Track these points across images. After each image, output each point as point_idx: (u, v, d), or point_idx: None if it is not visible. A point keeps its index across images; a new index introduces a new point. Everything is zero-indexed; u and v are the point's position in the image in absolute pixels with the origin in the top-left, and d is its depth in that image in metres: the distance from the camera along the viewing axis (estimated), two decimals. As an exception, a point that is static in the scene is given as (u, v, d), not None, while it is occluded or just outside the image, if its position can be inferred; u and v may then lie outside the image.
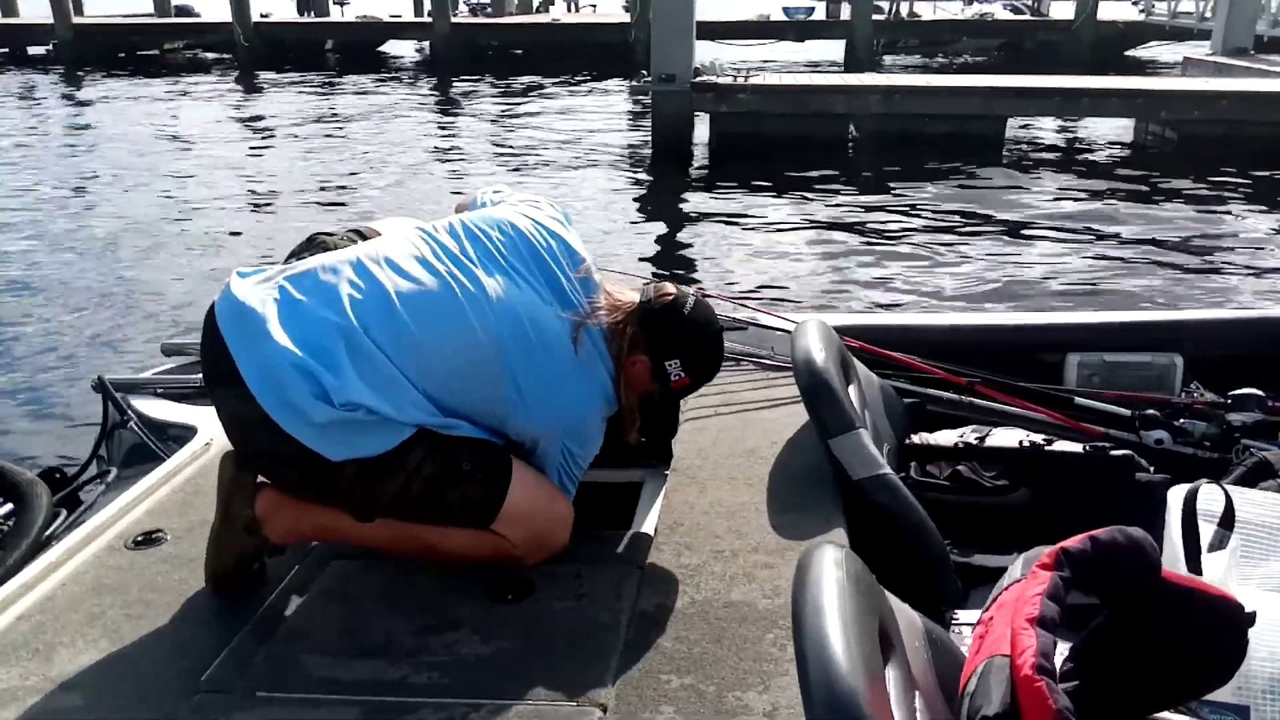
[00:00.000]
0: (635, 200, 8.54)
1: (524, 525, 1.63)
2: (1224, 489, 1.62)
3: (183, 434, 2.29)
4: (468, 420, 1.61)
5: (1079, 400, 2.39)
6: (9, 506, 2.15)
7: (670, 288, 1.74)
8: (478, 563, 1.65)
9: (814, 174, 8.86)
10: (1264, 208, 7.63)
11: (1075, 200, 8.02)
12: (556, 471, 1.70)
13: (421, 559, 1.67)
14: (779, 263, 6.30)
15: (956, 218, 7.35)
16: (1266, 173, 8.61)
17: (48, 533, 2.06)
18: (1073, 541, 1.07)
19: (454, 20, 22.08)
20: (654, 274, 5.64)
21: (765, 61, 17.71)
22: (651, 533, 1.76)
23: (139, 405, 2.47)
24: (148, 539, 1.81)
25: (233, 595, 1.64)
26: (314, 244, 1.73)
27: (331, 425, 1.50)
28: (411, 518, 1.62)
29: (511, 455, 1.66)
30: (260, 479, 1.67)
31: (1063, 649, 1.10)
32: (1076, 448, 2.13)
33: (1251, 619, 1.13)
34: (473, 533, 1.63)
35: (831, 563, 0.99)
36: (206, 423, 2.23)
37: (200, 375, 2.50)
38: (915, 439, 2.23)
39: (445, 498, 1.59)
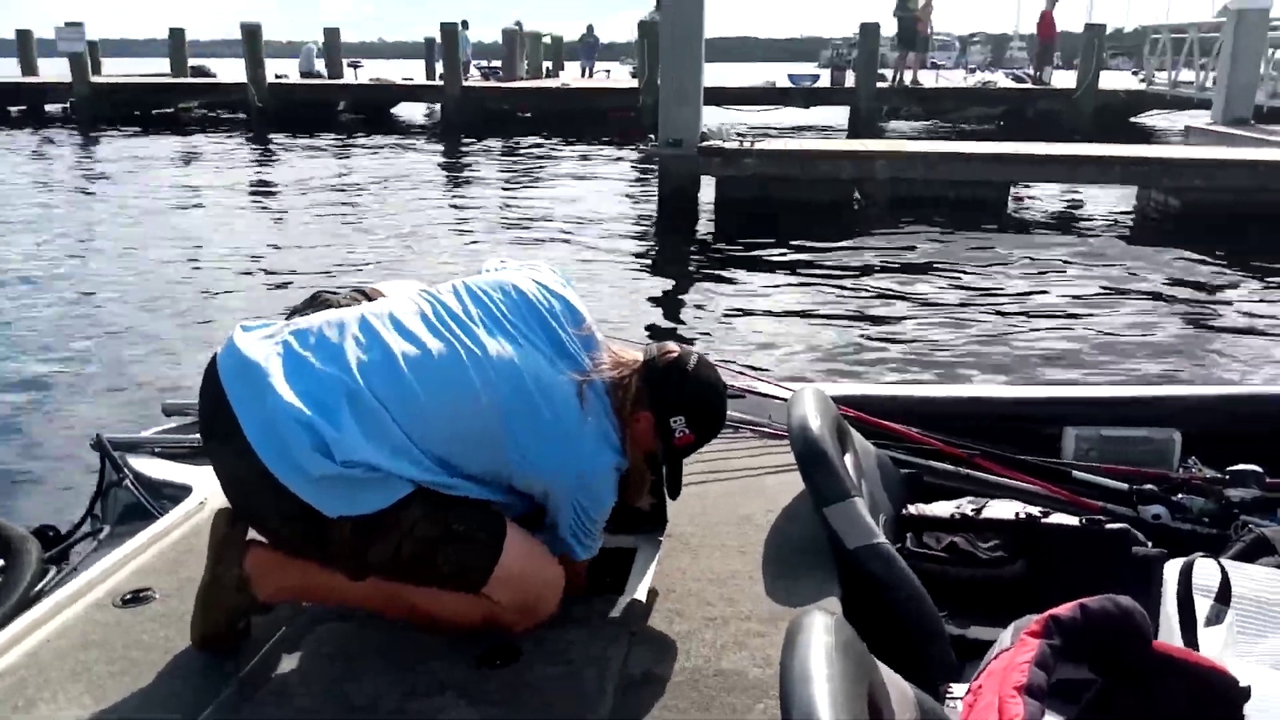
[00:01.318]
0: (640, 263, 8.60)
1: (515, 590, 1.63)
2: (1220, 564, 1.61)
3: (178, 493, 2.29)
4: (473, 479, 1.62)
5: (1076, 474, 2.39)
6: None
7: (674, 346, 1.77)
8: (467, 627, 1.64)
9: (818, 239, 8.94)
10: (1265, 280, 7.65)
11: (1077, 269, 8.05)
12: (569, 529, 1.69)
13: (411, 622, 1.66)
14: (781, 328, 6.32)
15: (958, 285, 7.39)
16: (1268, 244, 8.65)
17: (36, 589, 2.06)
18: (1063, 609, 1.07)
19: (465, 84, 22.46)
20: (653, 337, 5.66)
21: (770, 128, 17.93)
22: (643, 599, 1.75)
23: (136, 464, 2.48)
24: (136, 597, 1.81)
25: (219, 654, 1.63)
26: (317, 302, 1.76)
27: (329, 480, 1.50)
28: (403, 579, 1.62)
29: (506, 519, 1.66)
30: (251, 536, 1.66)
31: (1055, 720, 1.08)
32: (1073, 521, 2.12)
33: (1246, 694, 1.12)
34: (463, 597, 1.63)
35: (821, 630, 0.98)
36: (202, 482, 2.23)
37: (198, 436, 2.53)
38: (912, 509, 2.22)
39: (437, 560, 1.58)
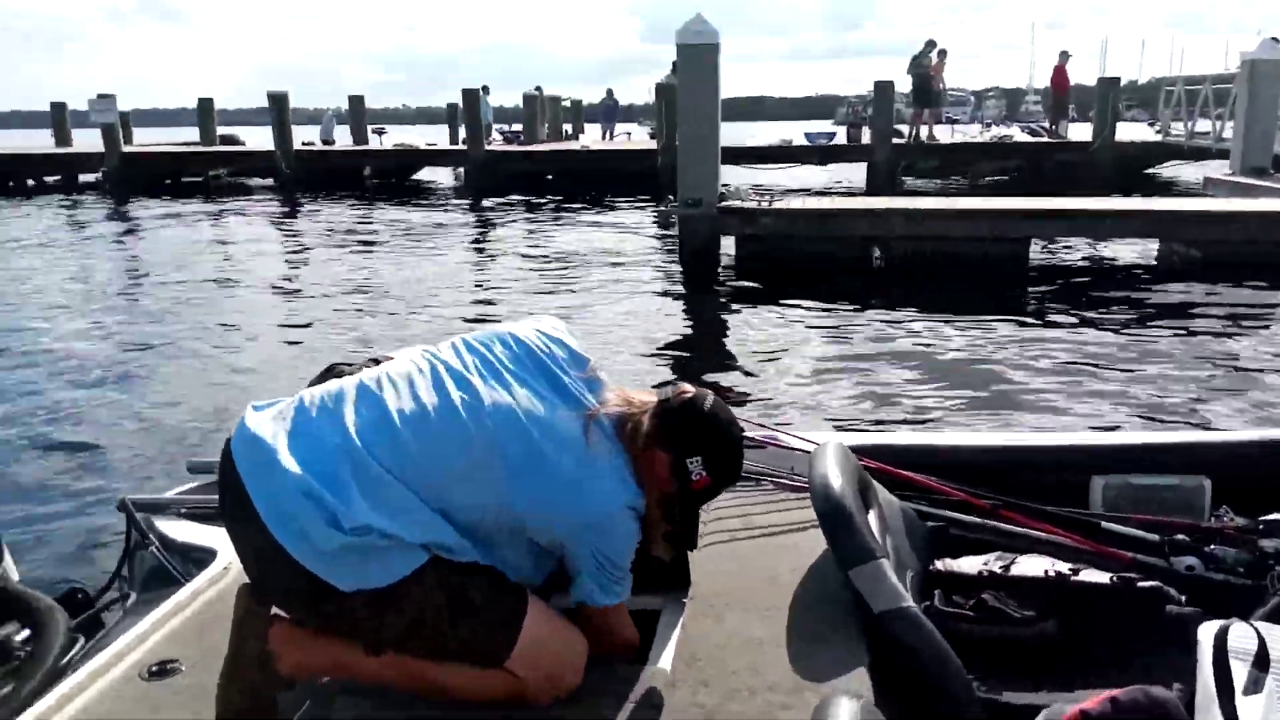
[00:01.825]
0: (661, 321, 8.64)
1: (537, 664, 1.60)
2: (1255, 628, 1.57)
3: (203, 556, 2.30)
4: (479, 535, 1.60)
5: (1106, 525, 2.35)
6: (26, 633, 2.15)
7: (688, 386, 1.74)
8: (488, 702, 1.62)
9: (838, 295, 8.95)
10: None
11: (1100, 320, 8.01)
12: (593, 578, 1.66)
13: (433, 697, 1.64)
14: (803, 381, 6.32)
15: (979, 338, 7.36)
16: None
17: (64, 660, 2.06)
18: (1092, 703, 1.04)
19: (487, 147, 22.83)
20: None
21: (788, 190, 18.07)
22: (668, 668, 1.72)
23: (161, 526, 2.49)
24: (162, 669, 1.80)
25: None
26: (332, 373, 1.77)
27: (342, 553, 1.50)
28: (422, 653, 1.60)
29: (528, 591, 1.64)
30: (275, 612, 1.66)
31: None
32: (1104, 578, 2.08)
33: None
34: (485, 671, 1.60)
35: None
36: (226, 546, 2.23)
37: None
38: (939, 565, 2.19)
39: (456, 633, 1.57)
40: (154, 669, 1.80)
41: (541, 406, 1.64)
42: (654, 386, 1.78)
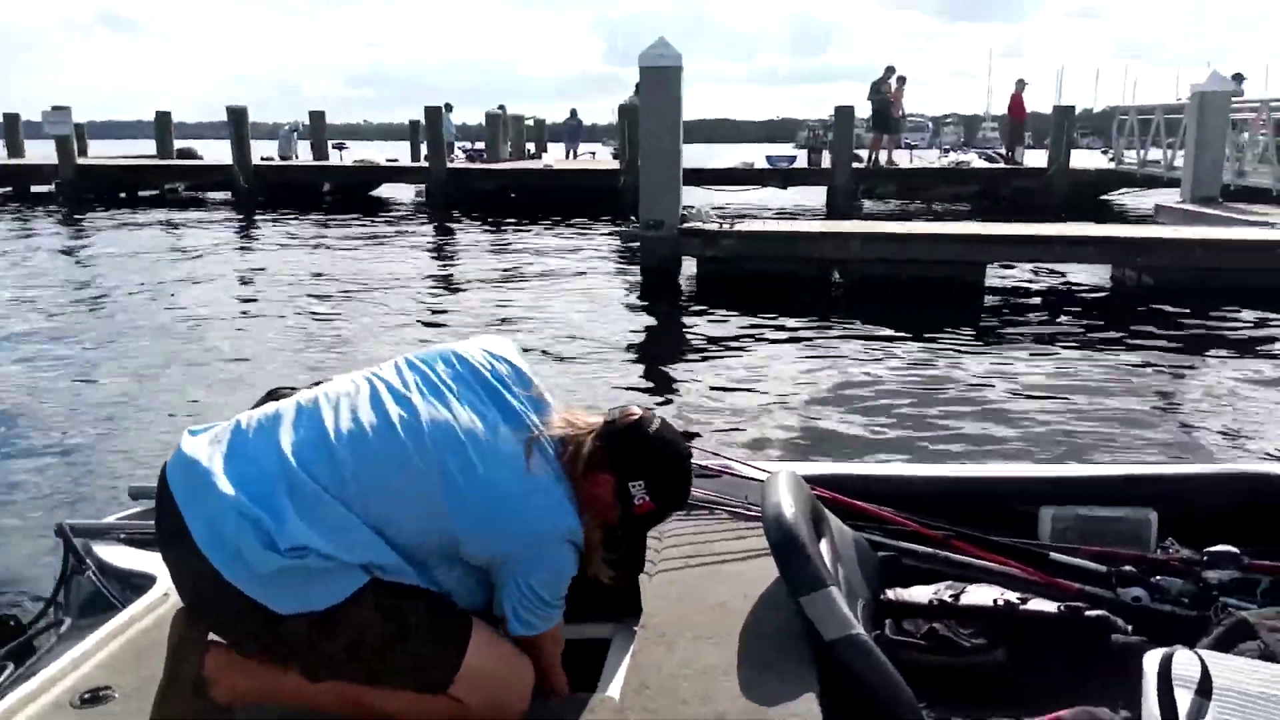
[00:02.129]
0: (621, 341, 8.63)
1: (480, 690, 1.57)
2: (1199, 655, 1.59)
3: (142, 582, 2.24)
4: (419, 556, 1.57)
5: (1054, 555, 2.37)
6: None
7: (635, 409, 1.72)
8: None
9: (797, 318, 9.02)
10: (1238, 357, 7.74)
11: (1053, 347, 8.13)
12: (510, 603, 1.62)
13: None
14: (759, 407, 6.32)
15: (934, 365, 7.43)
16: (1239, 320, 8.78)
17: None
18: None
19: (449, 165, 22.77)
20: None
21: (748, 212, 18.20)
22: (616, 697, 1.70)
23: (100, 551, 2.43)
24: (95, 697, 1.75)
25: None
26: (274, 397, 1.74)
27: (279, 575, 1.47)
28: (362, 678, 1.56)
29: (471, 615, 1.62)
30: (211, 637, 1.62)
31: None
32: (1052, 607, 2.10)
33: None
34: (427, 698, 1.57)
35: None
36: (165, 571, 2.18)
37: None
38: (890, 595, 2.20)
39: (396, 658, 1.53)
40: (86, 696, 1.75)
41: (482, 425, 1.61)
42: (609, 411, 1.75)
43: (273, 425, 1.59)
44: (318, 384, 1.76)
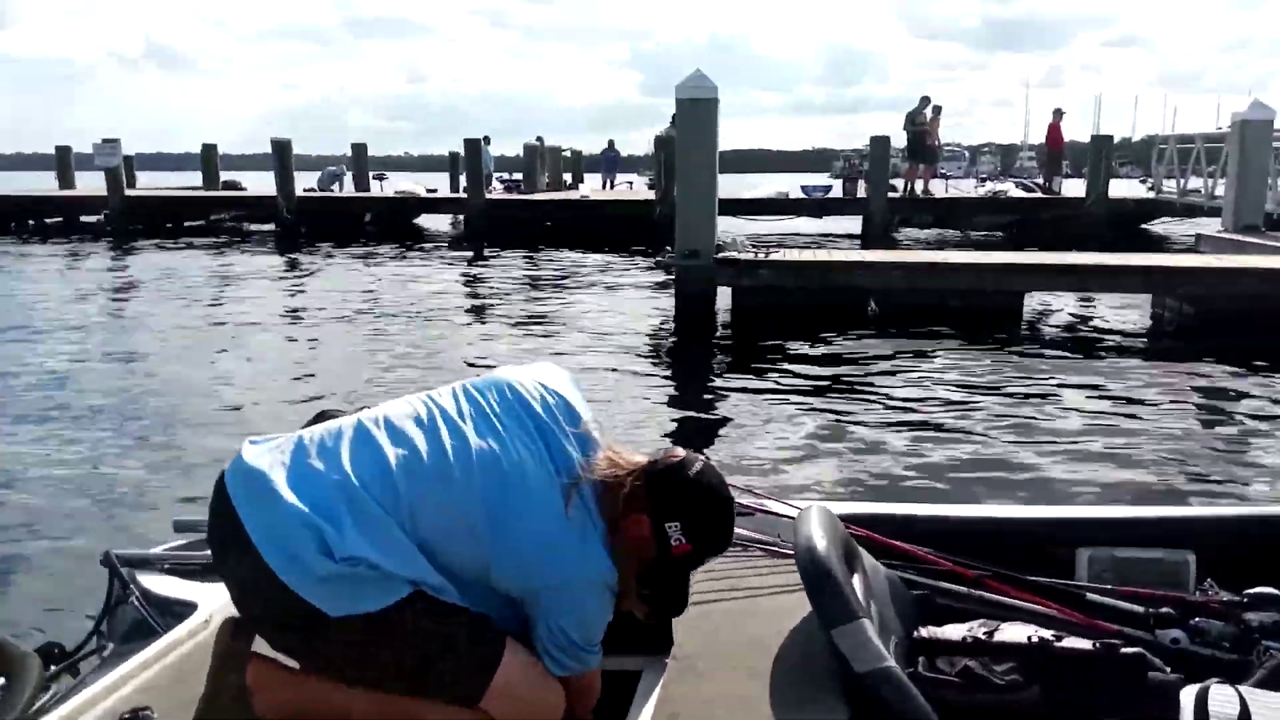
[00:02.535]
0: (657, 371, 8.67)
1: (512, 708, 1.60)
2: (1237, 690, 1.57)
3: (184, 610, 2.29)
4: (462, 579, 1.62)
5: (1090, 596, 2.34)
6: (0, 680, 2.13)
7: (680, 451, 1.75)
8: None
9: (833, 349, 9.00)
10: (1280, 390, 7.60)
11: (1092, 381, 8.02)
12: (542, 641, 1.66)
13: None
14: (794, 442, 6.30)
15: (971, 400, 7.35)
16: (1282, 349, 8.62)
17: (34, 708, 2.04)
18: None
19: (488, 196, 23.03)
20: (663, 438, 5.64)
21: (784, 242, 18.21)
22: None
23: (144, 580, 2.48)
24: (135, 717, 1.78)
25: None
26: (323, 418, 1.81)
27: (332, 580, 1.53)
28: (400, 689, 1.61)
29: (508, 634, 1.65)
30: (255, 649, 1.67)
31: None
32: (1087, 644, 2.07)
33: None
34: (462, 713, 1.61)
35: None
36: (208, 600, 2.23)
37: (208, 553, 2.54)
38: (924, 632, 2.18)
39: (436, 667, 1.58)
40: (126, 716, 1.79)
41: (529, 463, 1.65)
42: (661, 445, 1.78)
43: (335, 442, 1.64)
44: (363, 409, 1.81)
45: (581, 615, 1.66)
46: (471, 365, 8.59)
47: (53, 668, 2.33)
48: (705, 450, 6.03)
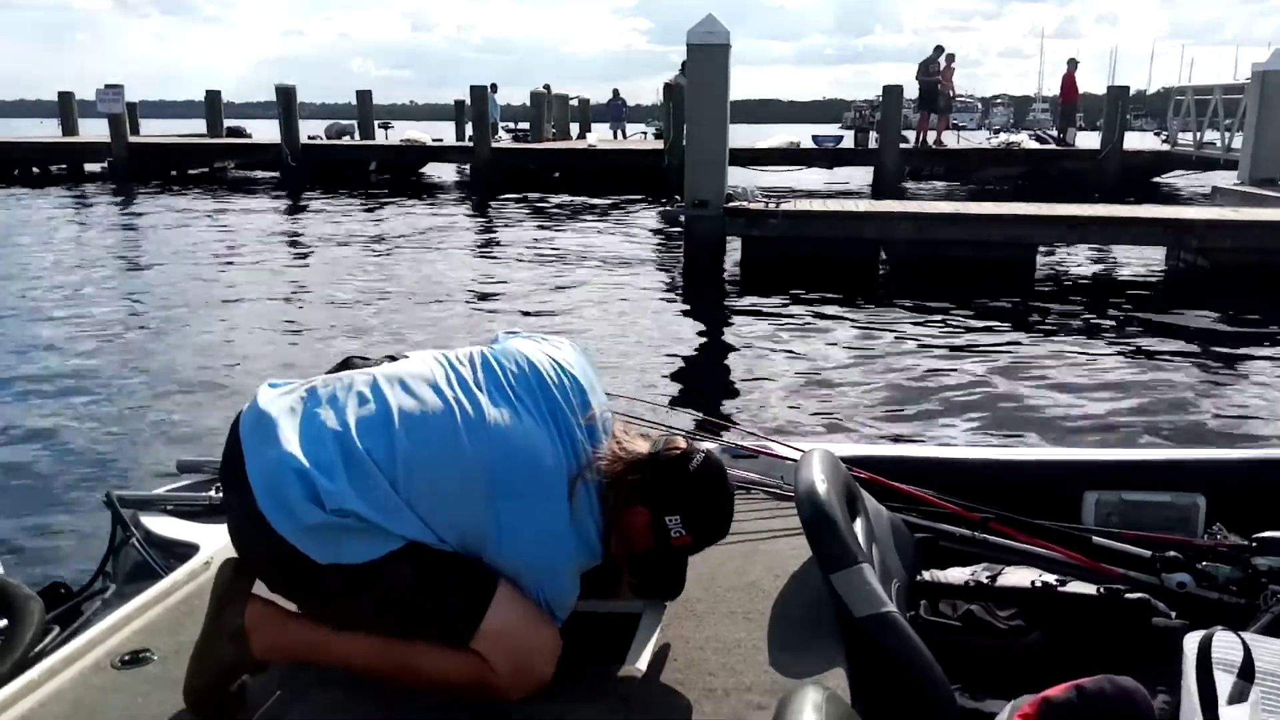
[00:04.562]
0: (666, 322, 8.63)
1: (505, 648, 1.60)
2: (1241, 638, 1.55)
3: (186, 552, 2.29)
4: (451, 545, 1.62)
5: (1096, 540, 2.32)
6: (2, 622, 2.14)
7: (681, 442, 1.74)
8: (460, 690, 1.61)
9: (843, 298, 8.94)
10: (1295, 340, 7.55)
11: (1103, 330, 7.98)
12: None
13: (404, 685, 1.64)
14: (801, 387, 6.30)
15: (981, 347, 7.33)
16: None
17: (36, 649, 2.05)
18: (1057, 690, 1.02)
19: (494, 145, 22.84)
20: (674, 406, 5.62)
21: (794, 192, 18.07)
22: (643, 668, 1.70)
23: (147, 522, 2.48)
24: (135, 658, 1.79)
25: (211, 717, 1.61)
26: (348, 366, 1.80)
27: (321, 529, 1.54)
28: (391, 630, 1.62)
29: (500, 577, 1.64)
30: (255, 590, 1.68)
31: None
32: (1090, 589, 2.06)
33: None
34: (456, 654, 1.61)
35: (811, 709, 0.95)
36: (209, 542, 2.23)
37: (210, 493, 2.54)
38: (926, 576, 2.17)
39: (425, 608, 1.59)
40: (126, 658, 1.79)
41: (538, 441, 1.65)
42: (659, 436, 1.78)
43: (345, 396, 1.65)
44: (392, 358, 1.80)
45: (561, 595, 1.68)
46: (478, 311, 8.56)
47: (56, 610, 2.34)
48: (711, 396, 6.06)
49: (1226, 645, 1.55)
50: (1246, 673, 1.51)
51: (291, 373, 6.15)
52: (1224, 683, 1.50)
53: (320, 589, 1.59)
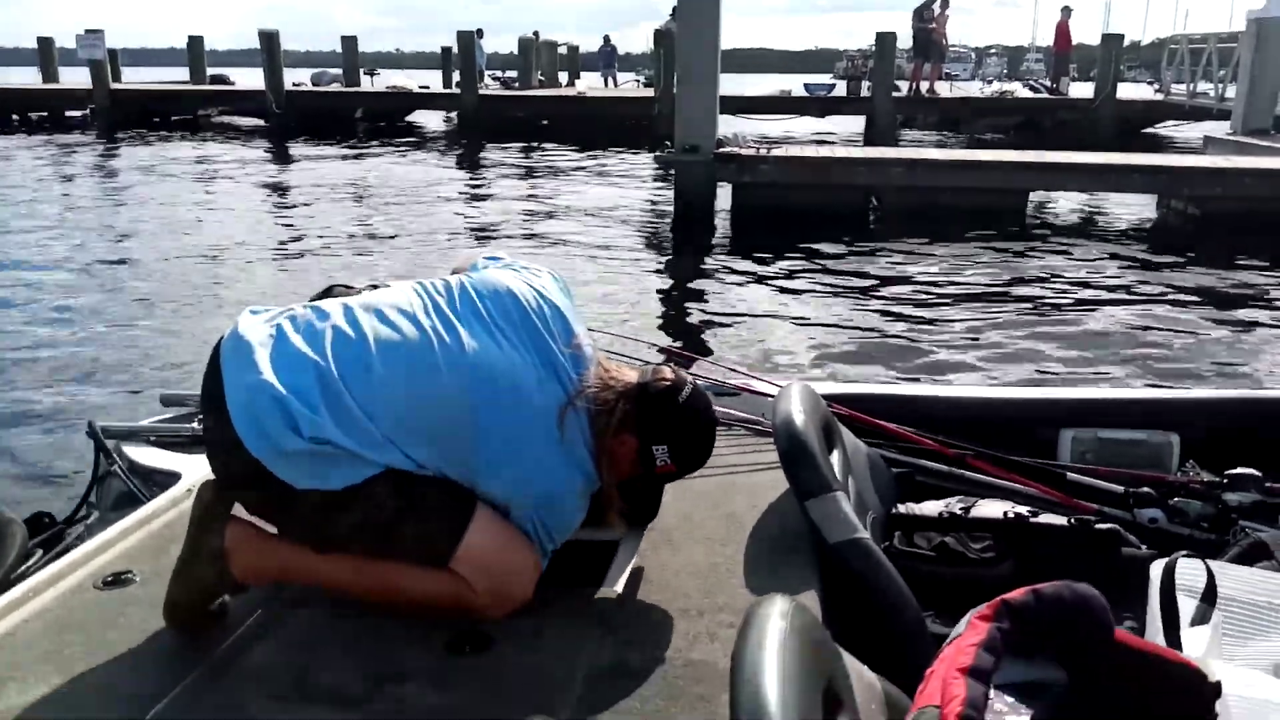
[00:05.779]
0: (655, 266, 8.62)
1: (484, 568, 1.61)
2: (1205, 563, 1.58)
3: (168, 480, 2.30)
4: (434, 472, 1.62)
5: (1071, 476, 2.35)
6: None
7: (669, 373, 1.74)
8: (440, 609, 1.63)
9: (833, 244, 8.92)
10: (1276, 286, 7.58)
11: (1090, 276, 8.01)
12: (528, 531, 1.68)
13: (384, 605, 1.65)
14: (789, 330, 6.32)
15: (969, 291, 7.36)
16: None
17: (18, 571, 2.07)
18: (1015, 594, 1.04)
19: (481, 92, 22.56)
20: (661, 349, 5.65)
21: (787, 134, 17.95)
22: (620, 590, 1.73)
23: (130, 452, 2.50)
24: (117, 579, 1.81)
25: (192, 635, 1.63)
26: (331, 294, 1.80)
27: (299, 455, 1.54)
28: (369, 552, 1.62)
29: (479, 499, 1.65)
30: (235, 512, 1.68)
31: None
32: (1061, 520, 2.09)
33: (1217, 690, 1.09)
34: (435, 574, 1.62)
35: (777, 615, 0.96)
36: (191, 470, 2.25)
37: (193, 425, 2.55)
38: (901, 508, 2.20)
39: (402, 530, 1.59)
40: (108, 579, 1.81)
41: (522, 371, 1.64)
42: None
43: (321, 323, 1.64)
44: (375, 286, 1.79)
45: (566, 517, 1.69)
46: (461, 240, 8.50)
47: (40, 535, 2.36)
48: (703, 336, 6.07)
49: (1191, 570, 1.58)
50: (1209, 597, 1.54)
51: (276, 302, 6.15)
52: (1187, 606, 1.53)
53: (299, 513, 1.59)
